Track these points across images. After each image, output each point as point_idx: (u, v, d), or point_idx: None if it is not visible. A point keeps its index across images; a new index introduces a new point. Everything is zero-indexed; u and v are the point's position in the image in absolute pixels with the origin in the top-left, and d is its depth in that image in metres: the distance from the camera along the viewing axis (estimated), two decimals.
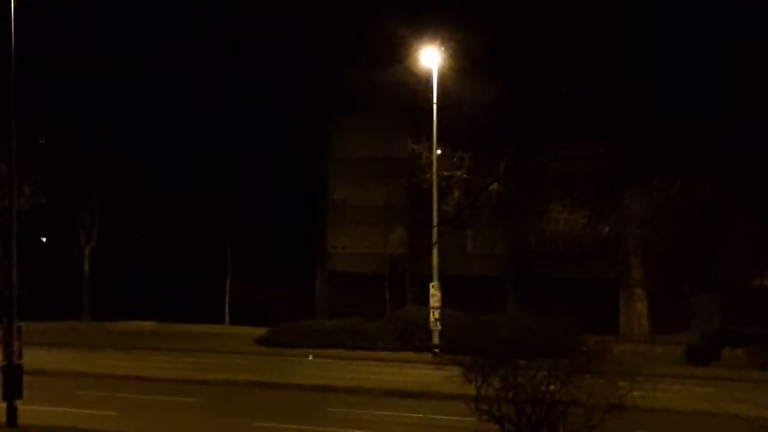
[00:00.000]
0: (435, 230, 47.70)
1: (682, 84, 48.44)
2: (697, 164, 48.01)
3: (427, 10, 52.56)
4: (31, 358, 32.16)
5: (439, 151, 48.33)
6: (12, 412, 29.05)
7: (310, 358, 36.99)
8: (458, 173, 52.36)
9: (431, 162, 48.14)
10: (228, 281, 61.24)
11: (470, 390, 21.24)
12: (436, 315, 45.41)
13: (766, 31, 47.38)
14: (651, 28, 49.20)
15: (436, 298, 45.59)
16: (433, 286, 45.82)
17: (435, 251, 47.18)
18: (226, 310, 61.03)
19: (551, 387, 20.56)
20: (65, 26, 56.62)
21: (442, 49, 48.50)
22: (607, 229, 51.72)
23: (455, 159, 51.85)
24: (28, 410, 29.38)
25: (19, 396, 29.26)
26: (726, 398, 33.33)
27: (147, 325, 57.52)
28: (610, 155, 51.54)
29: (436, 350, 44.20)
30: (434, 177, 47.66)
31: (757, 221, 48.15)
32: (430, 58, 47.82)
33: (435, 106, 46.75)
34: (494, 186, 53.69)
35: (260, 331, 50.90)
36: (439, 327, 45.19)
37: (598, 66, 49.84)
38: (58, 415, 30.42)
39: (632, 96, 49.11)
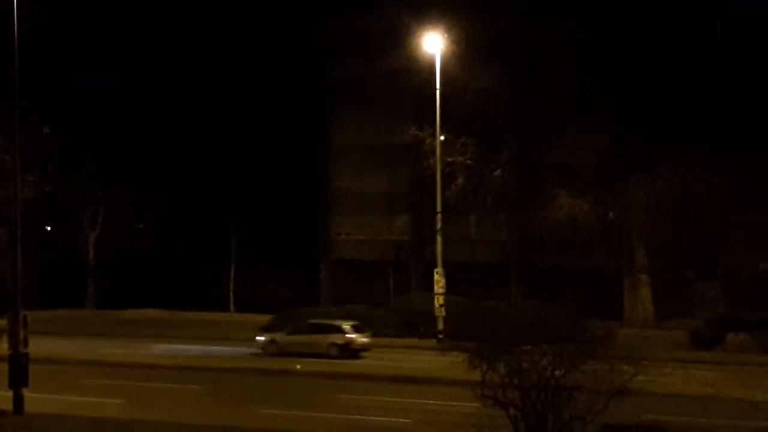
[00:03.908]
0: (439, 217, 47.74)
1: (683, 76, 48.67)
2: (699, 152, 48.16)
3: None
4: (37, 346, 32.25)
5: (442, 137, 48.30)
6: (18, 400, 29.14)
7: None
8: (462, 159, 52.34)
9: (434, 148, 48.12)
10: (232, 269, 61.29)
11: (475, 376, 21.28)
12: (441, 301, 45.45)
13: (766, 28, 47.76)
14: (653, 19, 49.40)
15: (440, 285, 45.63)
16: (437, 273, 45.86)
17: (439, 238, 47.23)
18: (231, 298, 61.09)
19: (556, 372, 20.61)
20: (71, 16, 56.60)
21: (446, 35, 48.44)
22: (611, 215, 51.74)
23: (459, 145, 51.84)
24: (34, 398, 29.48)
25: (25, 384, 29.34)
26: (730, 382, 33.47)
27: (152, 313, 57.60)
28: (613, 143, 51.61)
29: (441, 336, 44.28)
30: (438, 163, 47.65)
31: (759, 208, 48.20)
32: (433, 44, 47.76)
33: (438, 92, 46.71)
34: (498, 172, 53.73)
35: (264, 318, 50.97)
36: (444, 313, 45.24)
37: (601, 55, 49.89)
38: (64, 403, 30.51)
39: (634, 86, 49.24)
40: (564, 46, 51.25)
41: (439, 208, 47.66)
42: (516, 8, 53.34)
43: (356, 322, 42.91)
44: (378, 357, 41.53)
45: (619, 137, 50.97)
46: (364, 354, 42.09)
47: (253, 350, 42.46)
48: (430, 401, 31.59)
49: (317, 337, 41.62)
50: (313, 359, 39.89)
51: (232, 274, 61.37)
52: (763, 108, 47.82)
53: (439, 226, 47.76)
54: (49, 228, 64.95)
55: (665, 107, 48.66)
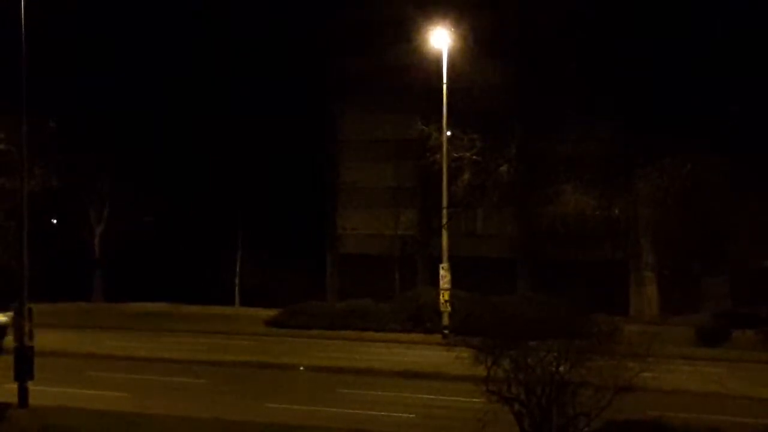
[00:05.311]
0: (445, 212, 47.70)
1: (683, 75, 48.77)
2: (703, 149, 48.22)
3: None
4: (42, 339, 32.30)
5: (449, 133, 48.26)
6: (23, 393, 29.23)
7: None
8: (468, 154, 52.33)
9: (441, 143, 48.09)
10: (238, 263, 61.28)
11: (480, 371, 21.27)
12: (446, 296, 45.40)
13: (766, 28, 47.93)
14: (653, 19, 49.47)
15: (446, 280, 45.58)
16: (443, 268, 45.81)
17: (445, 233, 47.18)
18: (237, 291, 61.09)
19: (561, 368, 20.58)
20: (71, 16, 56.64)
21: (452, 30, 48.39)
22: (617, 210, 51.71)
23: (465, 140, 51.82)
24: (39, 391, 29.56)
25: (31, 377, 29.42)
26: (736, 379, 33.49)
27: (157, 306, 57.62)
28: (618, 136, 51.63)
29: (446, 331, 44.22)
30: (444, 158, 47.61)
31: (766, 203, 48.17)
32: (440, 39, 47.67)
33: (445, 88, 46.65)
34: (504, 167, 53.72)
35: (270, 312, 50.96)
36: (449, 308, 45.19)
37: (601, 55, 49.91)
38: (69, 396, 30.58)
39: (635, 85, 49.30)
40: (565, 45, 51.28)
41: (445, 203, 47.61)
42: (517, 6, 53.35)
43: None
44: (382, 352, 41.51)
45: (622, 134, 51.02)
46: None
47: None
48: (435, 396, 31.63)
49: None
50: None
51: (237, 269, 61.35)
52: (765, 107, 47.95)
53: (445, 220, 47.72)
54: (55, 221, 65.02)
55: (666, 107, 48.71)
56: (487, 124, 52.33)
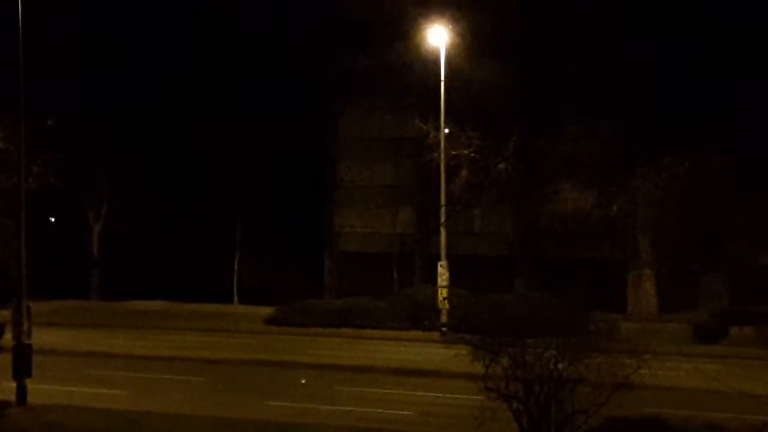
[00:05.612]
0: (443, 210, 47.74)
1: (683, 75, 48.79)
2: (702, 148, 48.24)
3: None
4: (41, 337, 32.34)
5: (447, 131, 48.28)
6: (22, 391, 29.24)
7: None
8: (466, 152, 52.33)
9: (439, 141, 48.13)
10: (237, 261, 61.33)
11: (478, 369, 21.29)
12: (444, 294, 45.45)
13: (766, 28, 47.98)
14: (653, 19, 49.49)
15: (444, 278, 45.64)
16: (441, 266, 45.86)
17: (443, 231, 47.22)
18: (235, 289, 61.14)
19: (559, 365, 20.60)
20: (71, 16, 56.64)
21: (450, 27, 48.43)
22: (615, 208, 51.73)
23: (463, 138, 51.80)
24: (37, 389, 29.56)
25: (29, 375, 29.44)
26: (733, 376, 33.53)
27: (156, 304, 57.65)
28: (618, 135, 51.64)
29: (444, 329, 44.29)
30: (442, 156, 47.65)
31: (764, 201, 48.21)
32: (438, 36, 47.70)
33: (443, 85, 46.70)
34: (502, 165, 53.74)
35: (269, 310, 50.96)
36: (447, 306, 45.25)
37: (601, 55, 49.92)
38: (67, 394, 30.59)
39: (635, 85, 49.31)
40: (564, 45, 51.33)
41: (443, 201, 47.66)
42: (517, 6, 53.36)
43: None
44: (381, 350, 41.55)
45: (621, 134, 51.06)
46: None
47: None
48: (433, 394, 31.64)
49: None
50: None
51: (236, 267, 61.40)
52: (765, 107, 48.00)
53: (443, 219, 47.76)
54: (53, 219, 65.00)
55: (666, 107, 48.75)
56: (486, 123, 52.32)
